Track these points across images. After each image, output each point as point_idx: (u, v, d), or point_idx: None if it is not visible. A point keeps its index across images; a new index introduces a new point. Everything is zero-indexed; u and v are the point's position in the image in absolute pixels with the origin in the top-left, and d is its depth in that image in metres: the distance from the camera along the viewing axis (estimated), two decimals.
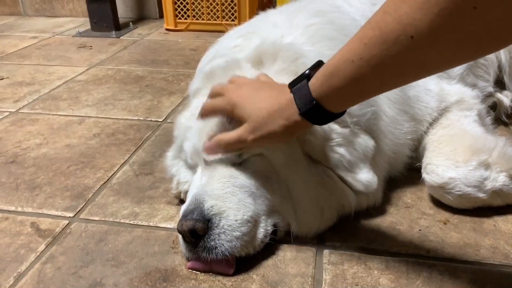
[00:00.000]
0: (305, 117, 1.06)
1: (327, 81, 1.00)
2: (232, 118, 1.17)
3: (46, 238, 1.29)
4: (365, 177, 1.27)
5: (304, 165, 1.23)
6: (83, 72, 2.70)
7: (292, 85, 1.10)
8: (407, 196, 1.45)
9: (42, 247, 1.26)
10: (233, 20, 3.48)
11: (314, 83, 1.03)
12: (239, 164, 1.21)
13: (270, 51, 1.33)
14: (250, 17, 3.46)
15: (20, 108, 2.19)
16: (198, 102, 1.37)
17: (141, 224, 1.35)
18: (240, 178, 1.19)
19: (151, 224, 1.35)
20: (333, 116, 1.07)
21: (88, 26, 3.68)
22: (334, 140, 1.23)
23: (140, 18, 4.06)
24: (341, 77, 0.96)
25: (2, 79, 2.59)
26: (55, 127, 1.98)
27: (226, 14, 3.50)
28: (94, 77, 2.60)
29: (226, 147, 1.16)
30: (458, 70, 1.73)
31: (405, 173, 1.51)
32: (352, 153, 1.26)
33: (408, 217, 1.36)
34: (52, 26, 3.87)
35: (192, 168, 1.34)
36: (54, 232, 1.32)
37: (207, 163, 1.22)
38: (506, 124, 1.91)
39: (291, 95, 1.07)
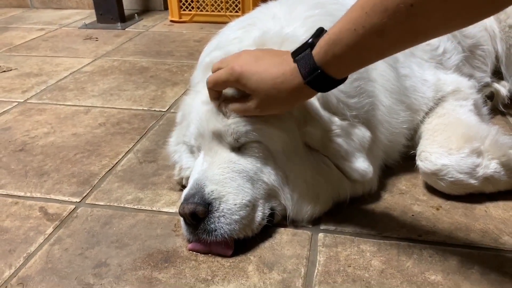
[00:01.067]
0: (310, 86, 1.09)
1: (331, 49, 1.03)
2: (236, 89, 1.21)
3: (54, 221, 1.36)
4: (361, 166, 1.31)
5: (301, 153, 1.28)
6: (89, 63, 2.75)
7: (295, 54, 1.11)
8: (402, 183, 1.50)
9: (50, 230, 1.32)
10: (237, 12, 3.51)
11: (318, 52, 1.06)
12: (238, 149, 1.26)
13: (274, 40, 1.36)
14: (254, 8, 3.49)
15: (28, 99, 2.25)
16: (201, 89, 1.42)
17: (145, 208, 1.40)
18: (239, 164, 1.24)
19: (154, 208, 1.40)
20: (337, 83, 1.10)
21: (94, 18, 3.73)
22: (333, 131, 1.28)
23: (145, 10, 4.10)
24: (344, 46, 1.00)
25: (10, 70, 2.65)
26: (62, 117, 2.04)
27: (230, 5, 3.53)
28: (100, 68, 2.65)
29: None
30: (454, 60, 1.76)
31: (401, 161, 1.55)
32: (350, 144, 1.30)
33: (402, 203, 1.40)
34: (58, 18, 3.92)
35: (194, 152, 1.39)
36: (61, 216, 1.38)
37: (209, 147, 1.27)
38: (503, 114, 1.94)
39: (295, 64, 1.09)
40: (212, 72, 1.29)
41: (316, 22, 1.45)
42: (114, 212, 1.39)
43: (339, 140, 1.29)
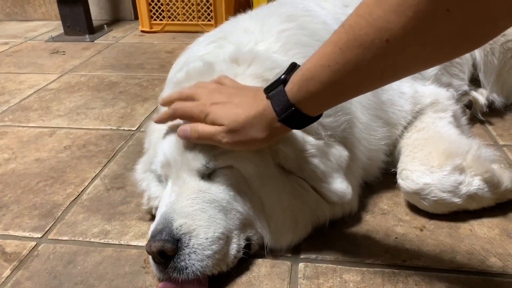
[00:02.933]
0: (285, 123, 1.05)
1: (304, 86, 0.99)
2: None
3: (12, 262, 1.25)
4: (339, 187, 1.25)
5: (276, 176, 1.21)
6: (56, 79, 2.63)
7: (268, 90, 1.07)
8: (383, 202, 1.44)
9: (7, 272, 1.21)
10: (209, 20, 3.43)
11: (291, 89, 1.02)
12: (208, 176, 1.18)
13: (247, 56, 1.30)
14: (227, 17, 3.42)
15: None
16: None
17: (112, 242, 1.31)
18: (210, 193, 1.16)
19: (122, 242, 1.31)
20: (312, 120, 1.07)
21: (62, 31, 3.60)
22: (308, 151, 1.21)
23: (115, 20, 3.99)
24: (318, 82, 0.96)
25: None
26: (25, 140, 1.92)
27: (202, 14, 3.45)
28: (66, 85, 2.53)
29: (199, 138, 1.12)
30: (433, 70, 1.72)
31: (381, 178, 1.49)
32: (326, 164, 1.24)
33: (384, 224, 1.34)
34: (24, 31, 3.77)
35: (162, 181, 1.30)
36: (20, 255, 1.27)
37: (177, 175, 1.19)
38: (482, 122, 1.91)
39: (268, 101, 1.05)
40: (181, 97, 1.20)
41: (290, 37, 1.39)
42: (78, 248, 1.29)
43: (315, 161, 1.22)
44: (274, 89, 1.05)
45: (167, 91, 1.43)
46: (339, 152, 1.28)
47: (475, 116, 1.90)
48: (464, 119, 1.67)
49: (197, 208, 1.13)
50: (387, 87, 1.52)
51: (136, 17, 3.87)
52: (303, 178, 1.23)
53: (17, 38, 3.58)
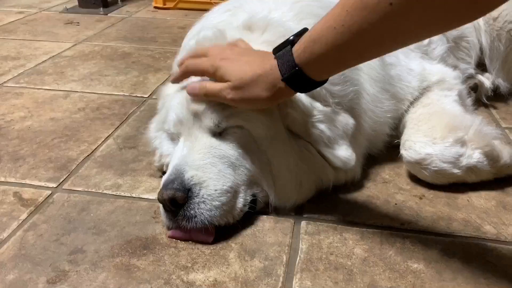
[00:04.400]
0: (288, 83, 1.08)
1: (310, 47, 1.02)
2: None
3: (29, 207, 1.31)
4: (343, 153, 1.30)
5: (284, 139, 1.26)
6: (70, 47, 2.68)
7: (276, 50, 1.11)
8: (385, 172, 1.49)
9: (24, 215, 1.28)
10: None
11: (297, 49, 1.05)
12: (219, 134, 1.23)
13: (260, 23, 1.34)
14: None
15: (4, 82, 2.18)
16: None
17: (124, 195, 1.37)
18: (220, 149, 1.21)
19: (133, 195, 1.37)
20: (316, 84, 1.09)
21: (76, 3, 3.64)
22: (315, 117, 1.27)
23: None
24: (323, 44, 0.98)
25: None
26: (40, 101, 1.98)
27: None
28: (80, 53, 2.59)
29: (206, 94, 1.17)
30: (439, 51, 1.76)
31: (384, 150, 1.54)
32: (333, 130, 1.29)
33: (385, 191, 1.39)
34: (39, 2, 3.81)
35: (174, 139, 1.35)
36: (36, 201, 1.33)
37: (189, 132, 1.25)
38: (486, 106, 1.95)
39: (275, 61, 1.09)
40: (194, 55, 1.26)
41: (304, 7, 1.43)
42: (92, 198, 1.35)
43: (322, 126, 1.27)
44: (282, 49, 1.09)
45: (180, 56, 1.49)
46: (345, 120, 1.33)
47: (480, 100, 1.94)
48: (469, 100, 1.71)
49: (207, 162, 1.19)
50: (396, 62, 1.56)
51: None
52: (310, 143, 1.29)
53: (32, 8, 3.62)
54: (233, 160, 1.21)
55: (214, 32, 1.37)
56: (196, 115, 1.23)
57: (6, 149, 1.60)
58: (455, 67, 1.83)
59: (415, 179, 1.43)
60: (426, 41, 1.73)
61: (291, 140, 1.27)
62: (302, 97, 1.26)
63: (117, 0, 3.74)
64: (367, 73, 1.44)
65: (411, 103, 1.57)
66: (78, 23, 3.21)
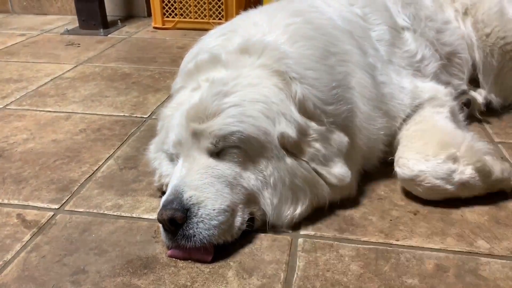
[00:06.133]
0: None
1: None
2: None
3: (32, 228, 1.34)
4: (339, 171, 1.34)
5: (281, 157, 1.29)
6: (71, 69, 2.73)
7: None
8: (381, 188, 1.52)
9: (27, 237, 1.31)
10: (220, 19, 3.53)
11: None
12: (217, 154, 1.27)
13: (256, 46, 1.39)
14: (237, 15, 3.51)
15: (7, 104, 2.22)
16: (181, 96, 1.44)
17: (124, 215, 1.40)
18: (218, 169, 1.25)
19: (134, 215, 1.40)
20: None
21: (77, 24, 3.70)
22: (310, 136, 1.31)
23: (129, 16, 4.09)
24: None
25: None
26: (42, 123, 2.02)
27: (213, 12, 3.54)
28: (81, 74, 2.64)
29: None
30: (432, 68, 1.80)
31: (379, 166, 1.57)
32: (327, 148, 1.33)
33: (380, 208, 1.42)
34: (40, 24, 3.88)
35: (173, 160, 1.39)
36: (39, 223, 1.36)
37: (187, 153, 1.28)
38: (480, 121, 1.99)
39: None
40: None
41: (296, 30, 1.48)
42: (93, 219, 1.38)
43: (317, 145, 1.31)
44: None
45: (179, 80, 1.54)
46: (340, 138, 1.37)
47: (473, 115, 1.97)
48: (461, 115, 1.75)
49: (205, 182, 1.22)
50: (388, 81, 1.61)
51: (149, 14, 3.97)
52: (305, 161, 1.32)
53: (34, 30, 3.69)
54: (231, 179, 1.24)
55: (210, 56, 1.42)
56: (195, 136, 1.27)
57: (9, 171, 1.64)
58: (448, 83, 1.88)
59: (409, 195, 1.46)
60: (418, 57, 1.78)
61: (287, 159, 1.30)
62: (297, 116, 1.30)
63: (117, 21, 3.81)
64: (359, 92, 1.49)
65: (404, 120, 1.61)
66: (79, 44, 3.27)
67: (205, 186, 1.21)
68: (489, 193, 1.44)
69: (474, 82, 2.03)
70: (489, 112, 2.02)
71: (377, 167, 1.57)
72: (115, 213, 1.40)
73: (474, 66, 1.98)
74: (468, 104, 1.95)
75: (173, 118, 1.36)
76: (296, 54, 1.39)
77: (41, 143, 1.84)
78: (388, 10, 1.81)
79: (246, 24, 1.57)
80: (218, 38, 1.56)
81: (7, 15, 4.24)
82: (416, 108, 1.63)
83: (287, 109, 1.30)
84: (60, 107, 2.19)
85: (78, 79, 2.56)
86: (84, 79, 2.56)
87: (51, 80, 2.55)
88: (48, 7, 4.27)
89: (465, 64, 1.96)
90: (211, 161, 1.25)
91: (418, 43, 1.79)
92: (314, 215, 1.36)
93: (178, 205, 1.17)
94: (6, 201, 1.47)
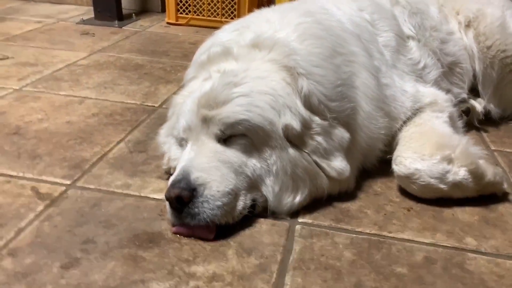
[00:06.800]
0: None
1: None
2: None
3: (45, 200, 1.42)
4: (338, 164, 1.41)
5: (284, 148, 1.37)
6: (85, 57, 2.81)
7: None
8: (377, 185, 1.59)
9: (40, 207, 1.38)
10: (232, 18, 3.60)
11: None
12: (224, 141, 1.34)
13: (267, 42, 1.46)
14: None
15: (23, 86, 2.30)
16: (192, 85, 1.52)
17: (133, 194, 1.47)
18: (225, 154, 1.32)
19: (142, 194, 1.47)
20: None
21: (92, 15, 3.79)
22: (313, 129, 1.39)
23: (143, 10, 4.17)
24: None
25: (7, 58, 2.70)
26: (56, 105, 2.10)
27: (226, 11, 3.63)
28: (95, 62, 2.72)
29: None
30: (433, 75, 1.88)
31: (377, 164, 1.64)
32: (329, 142, 1.41)
33: (376, 203, 1.49)
34: (56, 12, 3.97)
35: (182, 145, 1.46)
36: (52, 196, 1.44)
37: (196, 138, 1.36)
38: (478, 129, 2.06)
39: None
40: None
41: (306, 29, 1.56)
42: (103, 195, 1.45)
43: (319, 138, 1.39)
44: None
45: (191, 71, 1.62)
46: (341, 134, 1.44)
47: (472, 123, 2.04)
48: (460, 122, 1.82)
49: (212, 165, 1.29)
50: (391, 83, 1.68)
51: (163, 10, 4.05)
52: (307, 153, 1.39)
53: (50, 18, 3.78)
54: (236, 166, 1.32)
55: (222, 49, 1.50)
56: (204, 121, 1.34)
57: (24, 147, 1.72)
58: (448, 91, 1.95)
59: (404, 193, 1.53)
60: (421, 65, 1.85)
61: (290, 149, 1.37)
62: (301, 110, 1.38)
63: (131, 15, 3.90)
64: (363, 91, 1.56)
65: (404, 122, 1.68)
66: (94, 34, 3.35)
67: (211, 169, 1.29)
68: (481, 195, 1.51)
69: (474, 92, 2.10)
70: (488, 121, 2.09)
71: (375, 165, 1.64)
72: (124, 191, 1.48)
73: (474, 76, 2.06)
74: (467, 112, 2.02)
75: (184, 105, 1.44)
76: (305, 51, 1.47)
77: (55, 123, 1.92)
78: (396, 18, 1.89)
79: (259, 21, 1.65)
80: (232, 33, 1.64)
81: (25, 3, 4.33)
82: (416, 111, 1.70)
83: (293, 102, 1.38)
84: (74, 91, 2.27)
85: (92, 67, 2.64)
86: (98, 67, 2.65)
87: (66, 66, 2.64)
88: None
89: (466, 74, 2.04)
90: (219, 147, 1.33)
91: (422, 52, 1.87)
92: (312, 205, 1.43)
93: (185, 185, 1.24)
94: (21, 174, 1.55)
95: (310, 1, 1.84)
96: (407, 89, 1.71)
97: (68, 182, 1.52)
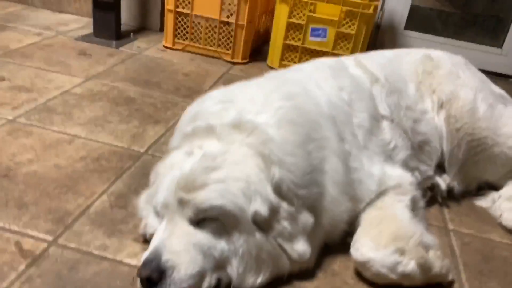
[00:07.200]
0: None
1: None
2: None
3: (27, 258, 1.53)
4: (301, 247, 1.55)
5: (251, 232, 1.49)
6: (80, 84, 2.91)
7: None
8: (336, 264, 1.73)
9: (22, 267, 1.50)
10: (228, 49, 3.72)
11: None
12: (196, 223, 1.47)
13: (247, 126, 1.59)
14: (246, 48, 3.70)
15: (17, 117, 2.40)
16: (175, 156, 1.64)
17: (109, 257, 1.59)
18: (196, 237, 1.45)
19: (117, 258, 1.59)
20: None
21: (91, 30, 3.87)
22: (280, 214, 1.51)
23: (142, 27, 4.26)
24: None
25: (3, 80, 2.80)
26: (47, 143, 2.21)
27: (223, 43, 3.73)
28: (89, 92, 2.82)
29: None
30: (402, 156, 2.01)
31: (339, 241, 1.77)
32: (293, 227, 1.54)
33: (332, 283, 1.63)
34: (56, 23, 4.05)
35: (159, 216, 1.59)
36: (34, 254, 1.56)
37: (171, 217, 1.48)
38: (440, 204, 2.20)
39: None
40: None
41: (284, 114, 1.68)
42: (81, 257, 1.57)
43: (285, 223, 1.52)
44: None
45: (176, 140, 1.74)
46: (306, 218, 1.58)
47: (436, 198, 2.19)
48: (422, 202, 1.95)
49: (182, 248, 1.42)
50: (360, 167, 1.81)
51: (162, 29, 4.16)
52: (273, 236, 1.52)
53: (49, 30, 3.86)
54: (205, 249, 1.44)
55: (206, 126, 1.63)
56: (180, 203, 1.46)
57: (12, 194, 1.83)
58: (415, 169, 2.09)
59: (360, 275, 1.66)
60: (391, 145, 1.99)
61: (257, 234, 1.50)
62: (271, 196, 1.51)
63: (130, 33, 3.99)
64: (331, 176, 1.69)
65: (368, 204, 1.81)
66: (91, 55, 3.45)
67: (181, 252, 1.41)
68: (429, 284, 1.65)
69: (441, 167, 2.24)
70: (451, 196, 2.24)
71: (338, 242, 1.78)
72: (101, 254, 1.60)
73: (442, 155, 2.19)
74: (432, 189, 2.16)
75: (165, 180, 1.55)
76: (280, 138, 1.60)
77: (44, 166, 2.03)
78: (373, 98, 2.02)
79: (244, 98, 1.76)
80: (217, 105, 1.75)
81: (25, 7, 4.39)
82: (380, 194, 1.84)
83: (264, 189, 1.51)
84: (65, 127, 2.38)
85: (86, 97, 2.74)
86: (91, 98, 2.75)
87: (60, 94, 2.74)
88: (66, 6, 4.43)
89: (434, 152, 2.18)
90: (191, 229, 1.45)
91: (394, 132, 2.00)
92: (273, 283, 1.56)
93: (156, 266, 1.36)
94: (7, 226, 1.66)
95: (295, 78, 1.96)
96: (374, 172, 1.84)
97: (50, 239, 1.63)
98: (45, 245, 1.60)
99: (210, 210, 1.44)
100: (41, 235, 1.64)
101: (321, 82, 1.96)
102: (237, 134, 1.60)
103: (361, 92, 2.00)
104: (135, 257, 1.60)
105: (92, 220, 1.75)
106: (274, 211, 1.51)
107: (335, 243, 1.77)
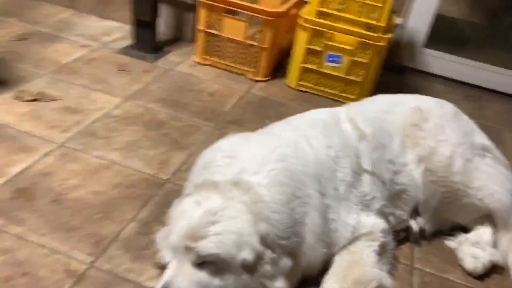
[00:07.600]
0: None
1: None
2: None
3: (72, 278, 2.04)
4: (280, 285, 1.99)
5: (239, 274, 1.94)
6: (119, 105, 3.36)
7: None
8: None
9: (67, 286, 2.01)
10: (251, 68, 4.09)
11: None
12: (198, 265, 1.92)
13: (244, 185, 2.00)
14: (268, 67, 4.05)
15: (65, 141, 2.89)
16: (187, 203, 2.08)
17: (132, 280, 2.08)
18: (197, 276, 1.90)
19: (137, 280, 2.08)
20: None
21: (130, 40, 4.30)
22: (264, 260, 1.95)
23: (176, 38, 4.66)
24: None
25: (56, 100, 3.29)
26: (90, 169, 2.69)
27: (247, 61, 4.10)
28: (126, 114, 3.26)
29: None
30: (378, 205, 2.38)
31: (316, 276, 2.20)
32: (274, 269, 1.97)
33: None
34: (101, 33, 4.46)
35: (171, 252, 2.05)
36: (77, 274, 2.06)
37: (179, 258, 1.95)
38: (412, 245, 2.56)
39: None
40: None
41: (275, 176, 2.09)
42: (112, 280, 2.06)
43: (267, 267, 1.96)
44: None
45: (189, 187, 2.18)
46: (285, 263, 2.01)
47: (409, 239, 2.56)
48: (392, 245, 2.34)
49: (186, 284, 1.88)
50: (337, 218, 2.21)
51: (193, 40, 4.54)
52: (257, 276, 1.97)
53: (94, 41, 4.30)
54: (204, 285, 1.90)
55: (213, 182, 2.05)
56: (186, 249, 1.92)
57: (61, 219, 2.33)
58: (390, 214, 2.46)
59: None
60: (369, 197, 2.36)
61: (243, 275, 1.94)
62: (257, 246, 1.94)
63: (163, 47, 4.40)
64: (310, 228, 2.10)
65: (341, 248, 2.22)
66: (131, 71, 3.89)
67: (185, 287, 1.88)
68: None
69: (416, 210, 2.59)
70: (424, 235, 2.60)
71: (314, 276, 2.20)
72: (126, 277, 2.09)
73: (417, 202, 2.55)
74: (405, 230, 2.54)
75: (176, 225, 2.01)
76: (270, 198, 2.01)
77: (87, 192, 2.52)
78: (357, 155, 2.37)
79: (247, 155, 2.15)
80: (223, 160, 2.18)
81: (74, 13, 4.82)
82: (353, 239, 2.24)
83: (252, 240, 1.93)
84: (105, 152, 2.86)
85: (123, 121, 3.18)
86: (128, 121, 3.19)
87: (102, 115, 3.21)
88: (110, 12, 4.87)
89: (411, 200, 2.52)
90: (193, 270, 1.91)
91: (373, 184, 2.37)
92: None
93: None
94: (58, 248, 2.17)
95: (290, 138, 2.32)
96: (349, 222, 2.23)
97: (90, 260, 2.14)
98: (85, 267, 2.11)
99: (208, 256, 1.89)
100: (84, 258, 2.15)
101: (312, 140, 2.33)
102: (236, 191, 2.02)
103: (347, 150, 2.36)
104: (152, 280, 2.09)
105: (121, 246, 2.25)
106: (259, 257, 1.94)
107: (312, 277, 2.20)
